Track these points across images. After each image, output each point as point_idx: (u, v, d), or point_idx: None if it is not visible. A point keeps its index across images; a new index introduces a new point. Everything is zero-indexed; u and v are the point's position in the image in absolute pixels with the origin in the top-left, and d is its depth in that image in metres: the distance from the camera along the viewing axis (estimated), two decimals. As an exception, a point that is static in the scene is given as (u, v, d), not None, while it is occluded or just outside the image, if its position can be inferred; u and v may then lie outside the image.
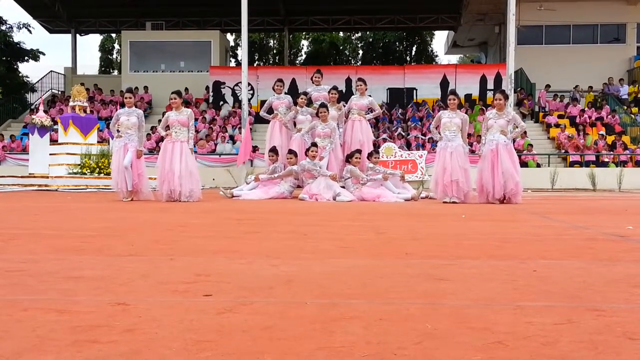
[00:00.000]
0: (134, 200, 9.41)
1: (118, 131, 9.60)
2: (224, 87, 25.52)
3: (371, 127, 12.14)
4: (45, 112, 17.47)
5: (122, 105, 9.96)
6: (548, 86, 24.76)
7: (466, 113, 22.58)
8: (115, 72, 40.18)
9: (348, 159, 10.22)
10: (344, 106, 11.25)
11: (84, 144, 14.99)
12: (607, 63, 25.85)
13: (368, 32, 40.72)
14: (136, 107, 10.10)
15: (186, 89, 24.45)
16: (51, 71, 30.34)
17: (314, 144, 10.30)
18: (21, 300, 2.17)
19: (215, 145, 21.45)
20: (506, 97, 9.28)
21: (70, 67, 30.30)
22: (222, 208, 7.93)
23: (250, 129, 16.69)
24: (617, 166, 19.47)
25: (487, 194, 8.99)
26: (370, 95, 11.78)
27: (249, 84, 19.54)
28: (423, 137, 21.47)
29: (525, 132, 19.49)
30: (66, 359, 1.49)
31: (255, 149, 18.88)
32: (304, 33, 41.86)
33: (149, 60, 27.82)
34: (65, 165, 14.60)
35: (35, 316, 1.92)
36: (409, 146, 20.84)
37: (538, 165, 20.18)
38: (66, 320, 1.86)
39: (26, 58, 31.72)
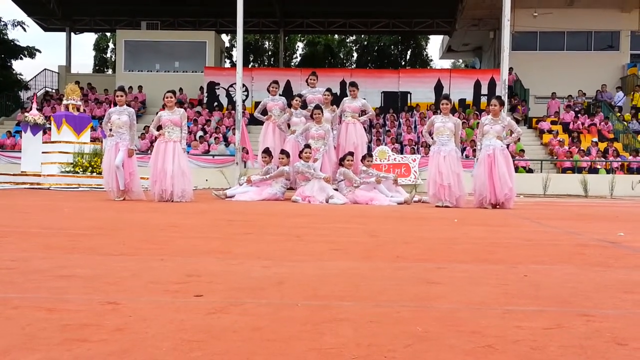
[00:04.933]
0: (126, 199, 9.39)
1: (110, 130, 9.57)
2: (218, 88, 25.50)
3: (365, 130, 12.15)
4: (39, 110, 17.43)
5: (116, 104, 9.90)
6: (554, 94, 24.84)
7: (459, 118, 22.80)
8: (110, 71, 40.13)
9: (341, 161, 10.24)
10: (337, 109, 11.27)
11: (76, 142, 14.95)
12: (600, 70, 26.00)
13: (363, 36, 40.81)
14: (128, 105, 10.05)
15: (180, 89, 24.43)
16: (45, 69, 30.26)
17: (307, 146, 10.30)
18: (11, 298, 2.16)
19: (209, 145, 21.42)
20: (502, 103, 9.29)
21: (65, 65, 30.22)
22: (214, 209, 7.91)
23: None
24: (608, 173, 19.56)
25: (481, 198, 9.01)
26: (364, 98, 11.79)
27: (243, 85, 19.53)
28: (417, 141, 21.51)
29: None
30: (55, 357, 1.48)
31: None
32: (299, 35, 41.88)
33: (144, 59, 27.78)
34: (57, 163, 14.55)
35: (25, 314, 1.91)
36: (402, 150, 20.89)
37: (530, 171, 20.24)
38: (56, 319, 1.85)
39: (21, 56, 31.61)
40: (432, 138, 9.45)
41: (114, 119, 9.51)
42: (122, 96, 9.68)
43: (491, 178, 8.88)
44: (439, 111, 9.84)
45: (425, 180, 9.93)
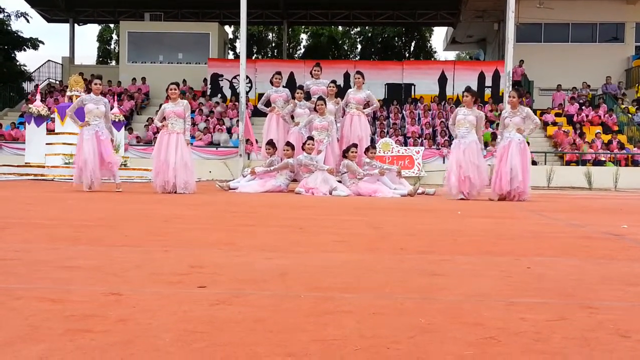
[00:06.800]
0: (122, 191, 9.32)
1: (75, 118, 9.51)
2: (222, 80, 25.47)
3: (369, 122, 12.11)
4: (42, 101, 17.44)
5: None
6: (559, 86, 24.73)
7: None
8: (113, 63, 40.08)
9: (345, 153, 10.22)
10: (341, 101, 11.23)
11: (80, 134, 14.94)
12: (605, 62, 25.87)
13: (367, 27, 40.67)
14: (102, 95, 9.96)
15: (184, 81, 24.40)
16: (49, 60, 30.24)
17: (311, 138, 10.28)
18: (14, 288, 2.17)
19: (212, 137, 21.42)
20: (520, 95, 9.23)
21: (68, 56, 30.20)
22: (218, 200, 7.92)
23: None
24: (613, 165, 19.51)
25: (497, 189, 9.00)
26: (368, 90, 11.75)
27: (247, 77, 19.50)
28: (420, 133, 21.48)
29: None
30: (59, 348, 1.49)
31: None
32: (302, 26, 41.76)
33: (147, 51, 27.73)
34: (61, 155, 14.57)
35: (29, 305, 1.91)
36: (406, 142, 20.87)
37: (534, 163, 20.20)
38: (59, 310, 1.85)
39: (24, 47, 31.61)
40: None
41: (91, 107, 9.34)
42: (100, 85, 9.66)
43: (499, 169, 8.85)
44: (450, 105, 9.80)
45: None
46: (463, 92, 9.57)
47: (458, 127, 9.24)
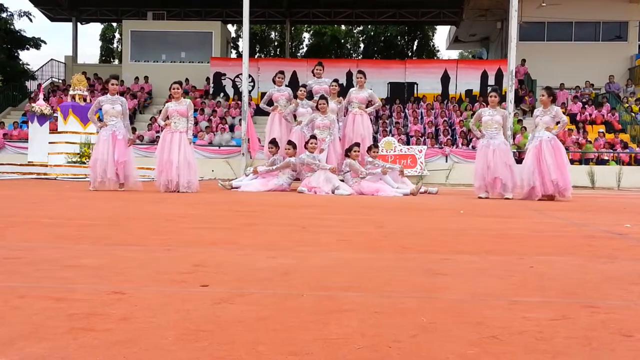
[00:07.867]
0: (125, 190, 9.33)
1: (100, 120, 9.55)
2: (224, 79, 25.46)
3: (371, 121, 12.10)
4: (45, 100, 17.46)
5: (122, 94, 9.89)
6: (562, 85, 24.66)
7: (466, 109, 22.73)
8: (116, 62, 40.12)
9: (347, 152, 10.22)
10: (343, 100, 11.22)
11: (83, 133, 14.97)
12: (608, 61, 25.79)
13: (370, 26, 40.63)
14: (119, 95, 9.97)
15: (187, 80, 24.40)
16: (52, 59, 30.26)
17: (313, 137, 10.28)
18: (18, 287, 2.17)
19: (214, 135, 21.41)
20: (549, 94, 9.14)
21: (71, 55, 30.21)
22: (221, 199, 7.92)
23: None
24: (617, 164, 19.46)
25: (529, 189, 8.93)
26: (370, 89, 11.74)
27: (249, 76, 19.50)
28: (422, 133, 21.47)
29: (525, 128, 19.54)
30: (62, 346, 1.49)
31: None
32: (305, 25, 41.74)
33: (150, 50, 27.74)
34: (64, 154, 14.59)
35: (32, 303, 1.92)
36: (408, 141, 20.85)
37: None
38: (63, 308, 1.86)
39: (27, 46, 31.63)
40: (480, 131, 9.41)
41: (107, 108, 9.40)
42: (115, 85, 9.65)
43: (540, 170, 8.80)
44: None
45: (474, 173, 9.62)
46: (489, 93, 9.55)
47: (486, 128, 9.23)
